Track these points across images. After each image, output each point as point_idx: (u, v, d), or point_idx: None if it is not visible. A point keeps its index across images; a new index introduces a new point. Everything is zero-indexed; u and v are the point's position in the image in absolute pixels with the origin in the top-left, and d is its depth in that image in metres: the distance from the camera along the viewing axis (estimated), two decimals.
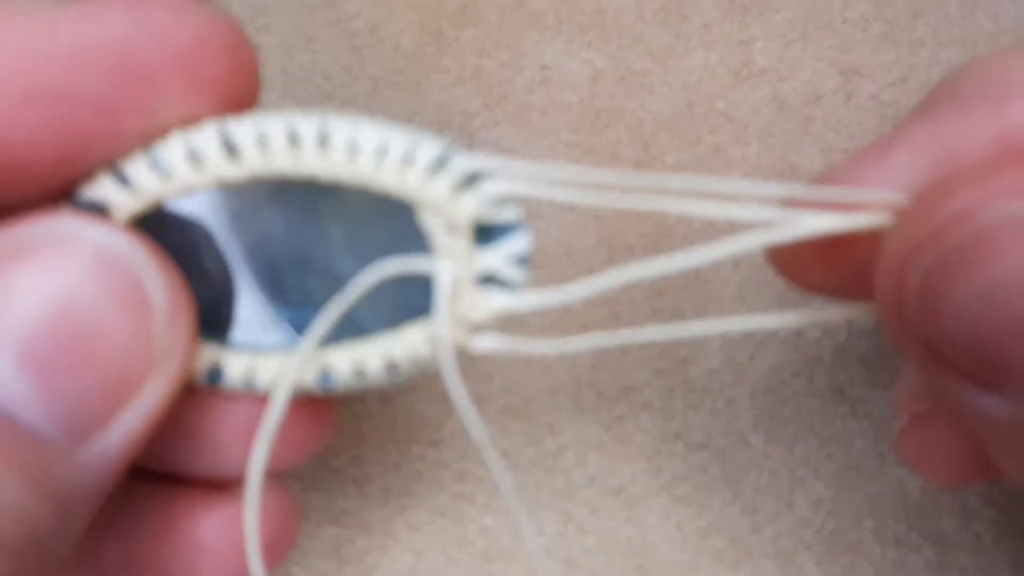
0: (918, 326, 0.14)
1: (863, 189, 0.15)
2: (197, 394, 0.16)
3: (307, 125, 0.15)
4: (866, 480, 0.22)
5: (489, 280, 0.15)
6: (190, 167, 0.15)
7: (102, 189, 0.15)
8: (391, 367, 0.16)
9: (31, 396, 0.14)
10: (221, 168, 0.15)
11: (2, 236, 0.14)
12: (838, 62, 0.23)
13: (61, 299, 0.14)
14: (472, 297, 0.15)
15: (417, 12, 0.23)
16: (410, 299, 0.16)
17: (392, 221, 0.15)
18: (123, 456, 0.15)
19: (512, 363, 0.22)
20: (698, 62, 0.23)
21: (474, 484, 0.22)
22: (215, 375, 0.16)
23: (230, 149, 0.15)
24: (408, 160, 0.15)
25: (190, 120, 0.15)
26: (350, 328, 0.16)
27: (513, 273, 0.15)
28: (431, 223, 0.15)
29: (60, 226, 0.14)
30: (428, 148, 0.15)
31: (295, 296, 0.16)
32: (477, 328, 0.16)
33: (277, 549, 0.18)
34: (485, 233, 0.15)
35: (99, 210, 0.15)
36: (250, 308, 0.16)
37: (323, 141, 0.15)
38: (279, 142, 0.15)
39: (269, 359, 0.16)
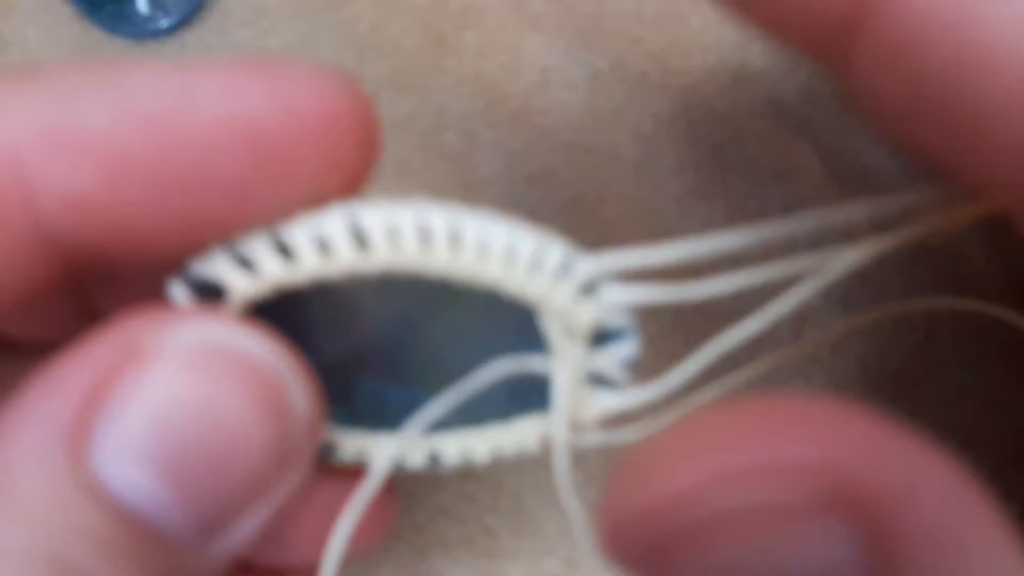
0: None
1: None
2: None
3: (439, 219, 0.14)
4: None
5: (596, 379, 0.16)
6: (318, 255, 0.14)
7: (218, 268, 0.14)
8: (497, 455, 0.16)
9: (169, 501, 0.13)
10: (350, 259, 0.14)
11: (148, 333, 0.14)
12: None
13: (205, 408, 0.13)
14: (583, 397, 0.15)
15: (418, 15, 0.24)
16: (521, 389, 0.16)
17: (504, 315, 0.15)
18: (244, 548, 0.14)
19: None
20: (696, 64, 0.24)
21: (476, 483, 0.22)
22: (328, 452, 0.16)
23: (360, 239, 0.14)
24: (536, 265, 0.14)
25: (315, 199, 0.14)
26: (459, 410, 0.16)
27: (619, 374, 0.15)
28: (550, 326, 0.15)
29: (211, 333, 0.14)
30: (555, 253, 0.14)
31: (401, 376, 0.16)
32: (584, 427, 0.16)
33: None
34: (598, 335, 0.15)
35: (211, 290, 0.14)
36: (359, 387, 0.16)
37: (455, 239, 0.14)
38: (410, 237, 0.14)
39: (380, 440, 0.16)
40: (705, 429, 0.12)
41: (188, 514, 0.14)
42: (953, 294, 0.22)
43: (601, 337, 0.15)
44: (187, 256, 0.14)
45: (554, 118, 0.23)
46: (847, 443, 0.11)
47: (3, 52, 0.23)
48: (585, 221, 0.23)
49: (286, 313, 0.15)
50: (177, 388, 0.13)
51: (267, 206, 0.14)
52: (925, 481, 0.11)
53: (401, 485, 0.22)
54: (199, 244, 0.14)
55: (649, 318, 0.23)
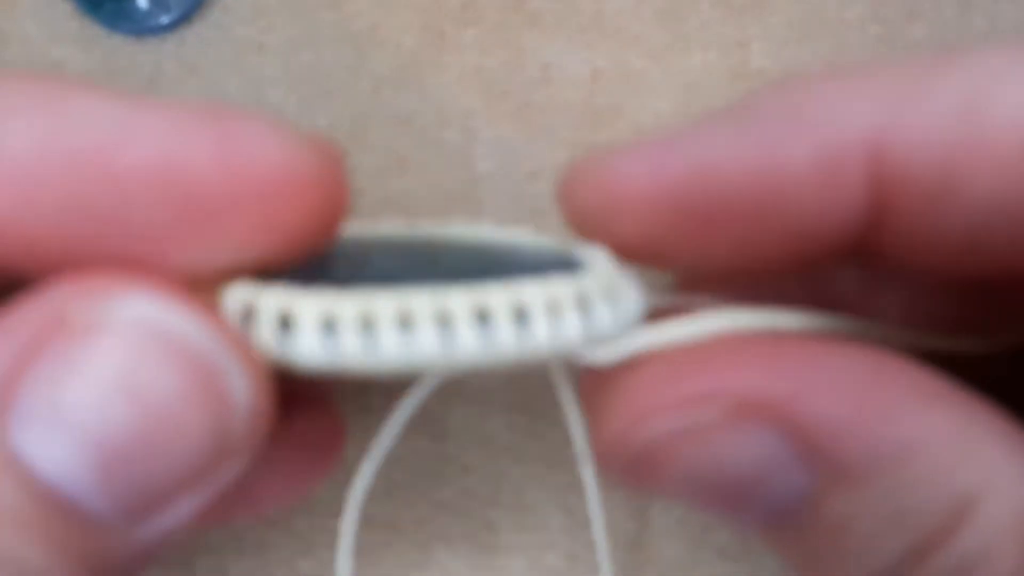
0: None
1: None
2: None
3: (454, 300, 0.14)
4: None
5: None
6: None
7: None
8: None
9: (93, 484, 0.13)
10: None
11: (81, 305, 0.13)
12: (835, 63, 0.24)
13: (136, 390, 0.13)
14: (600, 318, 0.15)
15: (418, 12, 0.24)
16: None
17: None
18: (175, 532, 0.14)
19: None
20: (696, 62, 0.24)
21: (478, 478, 0.22)
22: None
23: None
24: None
25: (257, 254, 0.14)
26: None
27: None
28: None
29: (147, 311, 0.13)
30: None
31: None
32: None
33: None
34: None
35: None
36: None
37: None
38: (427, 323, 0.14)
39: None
40: (672, 362, 0.15)
41: (114, 498, 0.13)
42: None
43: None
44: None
45: (554, 116, 0.23)
46: (753, 367, 0.14)
47: (3, 48, 0.23)
48: None
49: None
50: (108, 367, 0.13)
51: (192, 256, 0.14)
52: (823, 379, 0.14)
53: (402, 480, 0.22)
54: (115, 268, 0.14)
55: None
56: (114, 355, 0.13)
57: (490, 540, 0.22)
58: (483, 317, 0.14)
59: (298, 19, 0.24)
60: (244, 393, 0.14)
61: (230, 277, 0.14)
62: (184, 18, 0.23)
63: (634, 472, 0.15)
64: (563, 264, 0.16)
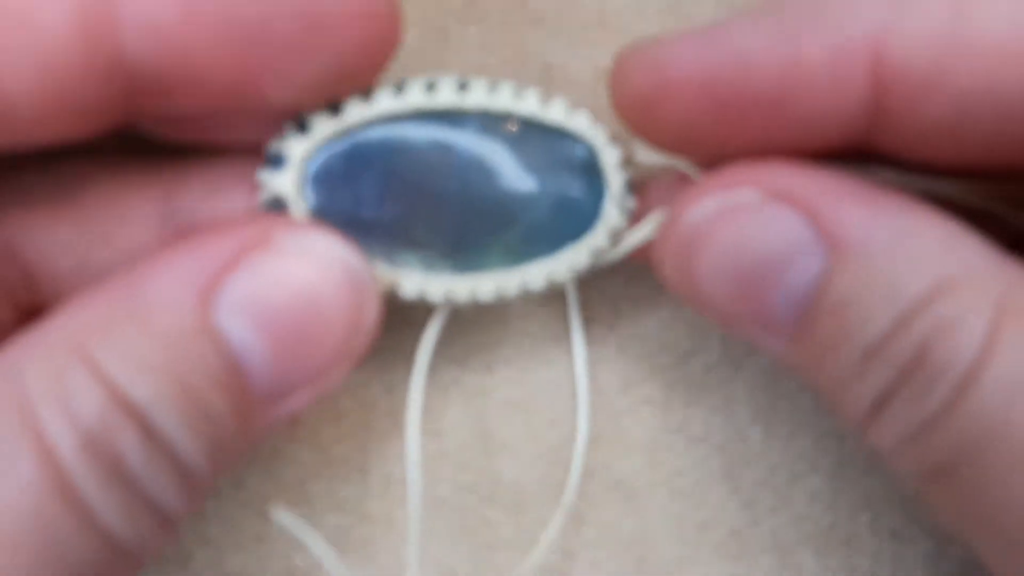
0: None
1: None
2: None
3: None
4: (863, 474, 0.22)
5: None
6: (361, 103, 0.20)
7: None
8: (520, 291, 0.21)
9: (268, 361, 0.17)
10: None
11: (280, 230, 0.18)
12: None
13: (310, 292, 0.18)
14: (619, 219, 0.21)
15: (421, 9, 0.24)
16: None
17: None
18: (289, 417, 0.18)
19: (514, 357, 0.23)
20: None
21: (475, 474, 0.22)
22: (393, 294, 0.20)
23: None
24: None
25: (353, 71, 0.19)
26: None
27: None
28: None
29: (320, 240, 0.18)
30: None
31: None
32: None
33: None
34: None
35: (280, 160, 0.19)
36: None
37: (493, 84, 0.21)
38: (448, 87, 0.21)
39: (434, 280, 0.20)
40: (720, 173, 0.19)
41: (274, 377, 0.18)
42: None
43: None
44: (232, 110, 0.19)
45: None
46: (787, 171, 0.18)
47: None
48: None
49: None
50: (293, 272, 0.18)
51: (310, 70, 0.18)
52: (843, 187, 0.18)
53: (402, 474, 0.22)
54: (245, 98, 0.18)
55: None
56: (296, 264, 0.18)
57: (488, 536, 0.22)
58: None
59: None
60: (372, 315, 0.19)
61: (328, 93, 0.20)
62: None
63: (680, 259, 0.19)
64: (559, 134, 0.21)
